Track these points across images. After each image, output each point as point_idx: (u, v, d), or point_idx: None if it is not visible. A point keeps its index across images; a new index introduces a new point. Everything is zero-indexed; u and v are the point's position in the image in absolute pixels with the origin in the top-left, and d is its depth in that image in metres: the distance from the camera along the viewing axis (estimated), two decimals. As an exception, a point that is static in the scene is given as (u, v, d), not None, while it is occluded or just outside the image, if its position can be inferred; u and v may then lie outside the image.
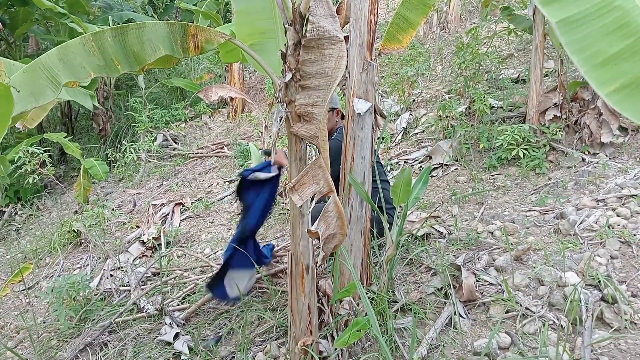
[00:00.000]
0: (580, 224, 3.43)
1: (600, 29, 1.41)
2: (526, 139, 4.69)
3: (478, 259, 3.30)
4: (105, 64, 2.39)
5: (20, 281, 4.61)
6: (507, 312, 2.74)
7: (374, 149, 2.92)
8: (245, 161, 6.96)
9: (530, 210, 3.95)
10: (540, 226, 3.63)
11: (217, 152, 7.87)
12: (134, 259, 4.82)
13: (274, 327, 3.16)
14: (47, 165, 6.66)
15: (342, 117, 3.55)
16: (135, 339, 3.34)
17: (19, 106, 2.17)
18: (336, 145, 3.12)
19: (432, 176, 5.13)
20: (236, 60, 3.79)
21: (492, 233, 3.64)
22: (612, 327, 2.49)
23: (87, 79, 2.35)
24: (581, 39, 1.41)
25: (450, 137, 5.43)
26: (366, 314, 2.31)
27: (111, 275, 4.45)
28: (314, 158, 2.10)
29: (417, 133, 6.09)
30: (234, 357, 2.96)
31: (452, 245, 3.56)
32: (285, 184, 2.69)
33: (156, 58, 2.44)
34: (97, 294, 4.04)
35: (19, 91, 2.10)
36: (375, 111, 2.85)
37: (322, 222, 2.14)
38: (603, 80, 1.40)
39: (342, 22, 2.79)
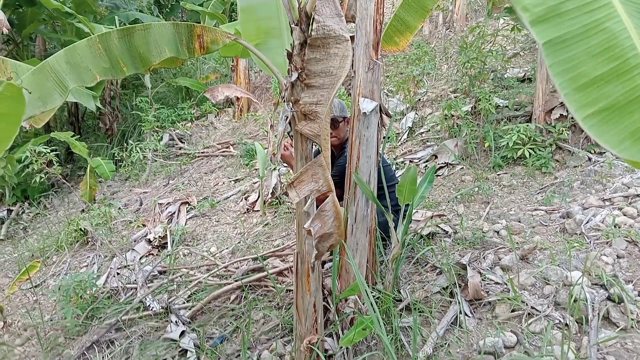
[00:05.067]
0: (587, 223, 3.42)
1: (586, 50, 1.38)
2: (532, 138, 4.68)
3: (484, 258, 3.30)
4: (112, 66, 2.41)
5: (27, 279, 4.63)
6: (512, 311, 2.74)
7: (379, 149, 2.92)
8: (251, 160, 6.97)
9: (536, 210, 3.93)
10: (546, 225, 3.62)
11: (223, 152, 7.89)
12: (141, 258, 4.84)
13: (280, 326, 3.18)
14: (54, 165, 6.69)
15: None
16: (142, 336, 3.36)
17: (28, 110, 2.19)
18: (343, 169, 3.07)
19: (437, 175, 5.13)
20: (235, 55, 3.79)
21: (497, 232, 3.64)
22: (618, 327, 2.48)
23: (93, 82, 2.37)
24: (566, 60, 1.38)
25: (455, 137, 5.42)
26: (373, 312, 2.32)
27: (118, 274, 4.47)
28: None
29: (422, 132, 6.09)
30: (239, 355, 2.97)
31: (458, 244, 3.55)
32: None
33: (162, 59, 2.46)
34: (103, 292, 4.06)
35: (30, 92, 2.12)
36: (380, 110, 2.85)
37: (317, 220, 2.14)
38: (582, 104, 1.37)
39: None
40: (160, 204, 6.21)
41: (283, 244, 4.44)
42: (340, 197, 2.83)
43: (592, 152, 4.54)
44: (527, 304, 2.74)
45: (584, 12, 1.41)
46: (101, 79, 2.39)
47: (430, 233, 3.77)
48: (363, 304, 2.79)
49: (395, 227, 2.93)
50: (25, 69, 2.94)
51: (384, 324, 2.64)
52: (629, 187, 3.79)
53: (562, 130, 4.61)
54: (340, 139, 3.48)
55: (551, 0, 1.40)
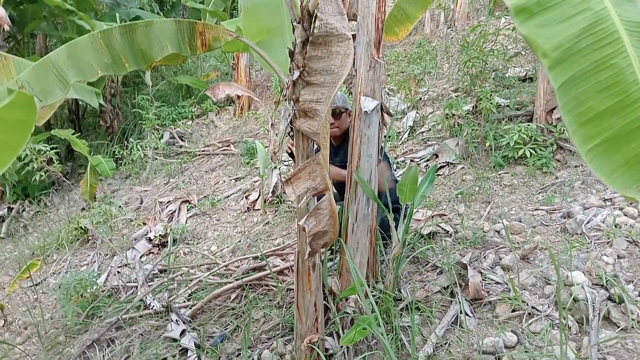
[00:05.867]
0: (587, 223, 3.42)
1: (594, 86, 1.41)
2: (533, 138, 4.67)
3: (484, 257, 3.29)
4: (113, 62, 2.40)
5: (28, 277, 4.64)
6: (513, 311, 2.74)
7: (381, 147, 2.92)
8: (252, 159, 6.97)
9: (537, 209, 3.93)
10: (547, 225, 3.62)
11: (224, 150, 7.88)
12: (141, 256, 4.84)
13: (280, 325, 3.17)
14: (54, 162, 6.69)
15: None
16: (142, 335, 3.36)
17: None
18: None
19: (438, 175, 5.12)
20: (238, 50, 3.78)
21: (498, 232, 3.64)
22: (619, 327, 2.48)
23: (95, 77, 2.37)
24: (575, 97, 1.42)
25: (456, 136, 5.41)
26: (373, 312, 2.32)
27: (118, 272, 4.47)
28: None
29: (423, 131, 6.08)
30: (240, 354, 2.97)
31: (459, 243, 3.55)
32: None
33: (164, 56, 2.45)
34: (104, 291, 4.06)
35: (32, 89, 2.11)
36: (382, 109, 2.84)
37: (312, 218, 2.14)
38: (586, 138, 1.41)
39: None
40: (161, 202, 6.22)
41: (284, 243, 4.44)
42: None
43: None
44: (527, 304, 2.73)
45: (595, 48, 1.44)
46: (103, 74, 2.38)
47: (430, 232, 3.77)
48: (363, 303, 2.79)
49: (396, 226, 2.92)
50: (28, 65, 2.93)
51: (385, 324, 2.64)
52: (630, 187, 3.79)
53: (563, 130, 4.61)
54: (342, 129, 3.52)
55: (567, 42, 1.43)
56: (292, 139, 2.37)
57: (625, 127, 1.41)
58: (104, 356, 3.23)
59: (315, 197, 2.24)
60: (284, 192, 5.47)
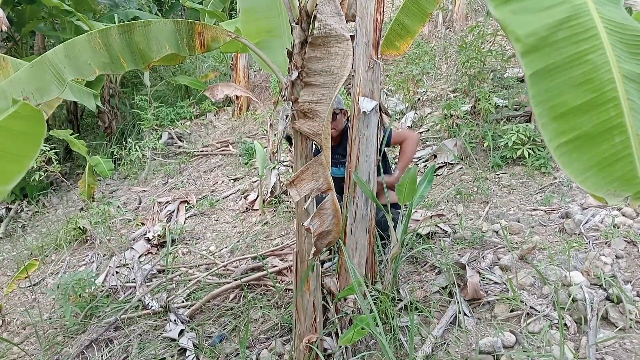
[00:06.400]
0: (586, 223, 3.42)
1: (568, 80, 1.40)
2: (531, 138, 4.68)
3: (483, 257, 3.30)
4: (111, 61, 2.40)
5: (26, 278, 4.63)
6: (511, 311, 2.74)
7: (380, 147, 2.92)
8: (250, 159, 6.97)
9: (535, 210, 3.94)
10: (545, 225, 3.62)
11: (222, 150, 7.88)
12: (139, 256, 4.84)
13: (279, 325, 3.18)
14: (53, 163, 6.68)
15: (348, 119, 3.57)
16: (141, 335, 3.36)
17: (25, 102, 2.18)
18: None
19: (437, 175, 5.13)
20: (237, 50, 3.78)
21: (496, 232, 3.64)
22: (617, 327, 2.49)
23: (92, 76, 2.37)
24: (548, 89, 1.40)
25: (455, 136, 5.42)
26: (371, 312, 2.32)
27: (116, 272, 4.47)
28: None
29: (422, 132, 6.08)
30: (238, 354, 2.97)
31: (457, 244, 3.55)
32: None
33: (162, 56, 2.45)
34: (102, 291, 4.06)
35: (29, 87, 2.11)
36: (380, 110, 2.85)
37: (316, 218, 2.15)
38: (556, 133, 1.40)
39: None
40: (159, 202, 6.21)
41: (282, 243, 4.44)
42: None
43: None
44: (526, 304, 2.74)
45: (572, 42, 1.42)
46: (100, 72, 2.38)
47: (429, 233, 3.77)
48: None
49: (395, 225, 2.92)
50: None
51: (383, 324, 2.64)
52: (628, 188, 3.79)
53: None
54: (338, 130, 3.53)
55: (543, 30, 1.41)
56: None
57: (598, 126, 1.39)
58: (102, 356, 3.23)
59: (314, 198, 2.25)
60: (283, 193, 5.48)
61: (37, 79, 2.28)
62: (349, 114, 3.61)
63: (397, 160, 5.61)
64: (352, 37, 2.58)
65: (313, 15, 2.06)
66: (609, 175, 1.40)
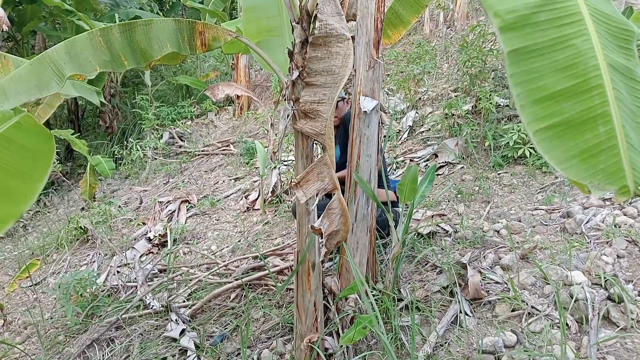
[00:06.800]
0: (587, 222, 3.42)
1: (550, 64, 1.36)
2: (533, 138, 4.67)
3: (484, 257, 3.30)
4: (112, 59, 2.40)
5: (27, 277, 4.64)
6: (512, 310, 2.74)
7: (380, 147, 2.92)
8: (251, 159, 6.97)
9: (536, 209, 3.93)
10: (546, 225, 3.62)
11: (223, 150, 7.89)
12: (141, 256, 4.84)
13: (280, 324, 3.18)
14: (54, 162, 6.68)
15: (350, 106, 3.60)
16: (142, 335, 3.36)
17: (23, 97, 2.19)
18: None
19: (438, 174, 5.13)
20: (239, 51, 3.78)
21: (498, 232, 3.64)
22: (618, 326, 2.48)
23: (93, 73, 2.36)
24: (528, 71, 1.36)
25: (456, 136, 5.42)
26: (372, 311, 2.32)
27: (118, 272, 4.47)
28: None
29: (423, 131, 6.08)
30: (239, 354, 2.97)
31: (458, 243, 3.55)
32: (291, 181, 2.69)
33: (163, 55, 2.45)
34: (103, 291, 4.06)
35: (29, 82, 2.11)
36: (381, 109, 2.85)
37: (325, 218, 2.15)
38: (536, 117, 1.35)
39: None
40: (160, 202, 6.22)
41: (283, 243, 4.44)
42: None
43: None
44: (527, 304, 2.74)
45: (555, 25, 1.39)
46: (101, 70, 2.37)
47: (430, 232, 3.77)
48: (363, 302, 2.79)
49: (396, 224, 2.92)
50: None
51: (384, 323, 2.64)
52: (629, 187, 3.79)
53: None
54: (339, 118, 3.56)
55: (524, 9, 1.38)
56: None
57: (582, 114, 1.35)
58: (103, 356, 3.23)
59: (317, 197, 2.25)
60: (284, 192, 5.48)
61: (37, 76, 2.28)
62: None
63: (396, 160, 5.63)
64: (353, 37, 2.58)
65: (314, 14, 2.06)
66: (592, 167, 1.34)
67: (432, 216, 4.01)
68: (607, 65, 1.38)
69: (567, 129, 1.35)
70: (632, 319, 2.48)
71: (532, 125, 1.35)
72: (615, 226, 3.29)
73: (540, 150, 1.35)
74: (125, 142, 8.44)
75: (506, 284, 2.95)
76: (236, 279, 3.77)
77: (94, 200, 6.66)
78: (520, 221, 3.75)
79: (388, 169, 5.39)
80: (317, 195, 2.17)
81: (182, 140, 8.69)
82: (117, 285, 4.12)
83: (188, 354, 3.04)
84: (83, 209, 6.72)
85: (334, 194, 2.15)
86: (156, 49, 2.43)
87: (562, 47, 1.38)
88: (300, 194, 2.13)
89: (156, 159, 8.09)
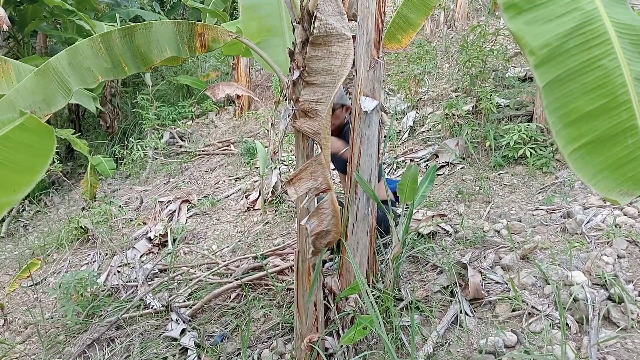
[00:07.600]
0: (587, 223, 3.42)
1: (580, 87, 1.41)
2: (533, 138, 4.67)
3: (484, 257, 3.30)
4: (113, 66, 2.41)
5: (28, 277, 4.64)
6: (513, 310, 2.74)
7: (380, 147, 2.92)
8: (252, 159, 6.97)
9: (537, 209, 3.93)
10: (547, 225, 3.62)
11: (224, 150, 7.89)
12: (141, 256, 4.84)
13: (280, 324, 3.18)
14: (54, 162, 6.69)
15: (350, 113, 3.56)
16: (142, 334, 3.37)
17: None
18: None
19: (438, 174, 5.13)
20: (238, 54, 3.78)
21: (498, 232, 3.64)
22: (618, 327, 2.48)
23: (95, 84, 2.38)
24: (560, 97, 1.41)
25: (456, 136, 5.41)
26: (373, 311, 2.32)
27: (118, 272, 4.48)
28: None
29: (423, 131, 6.08)
30: (239, 353, 2.97)
31: (459, 243, 3.55)
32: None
33: (163, 59, 2.46)
34: (104, 290, 4.06)
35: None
36: (382, 109, 2.85)
37: (314, 217, 2.14)
38: (570, 139, 1.41)
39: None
40: (161, 202, 6.22)
41: (283, 243, 4.44)
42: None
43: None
44: (527, 304, 2.74)
45: (584, 49, 1.43)
46: (103, 79, 2.39)
47: (430, 232, 3.77)
48: (364, 302, 2.79)
49: (396, 224, 2.92)
50: (28, 70, 2.95)
51: (385, 323, 2.64)
52: (629, 187, 3.78)
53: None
54: (335, 125, 3.51)
55: (555, 41, 1.42)
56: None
57: (610, 129, 1.40)
58: (104, 355, 3.24)
59: (316, 197, 2.25)
60: (284, 192, 5.48)
61: (43, 90, 2.30)
62: (351, 109, 3.61)
63: (397, 160, 5.63)
64: (354, 37, 2.58)
65: (314, 14, 2.06)
66: (621, 176, 1.41)
67: (433, 216, 4.01)
68: (633, 79, 1.42)
69: (597, 145, 1.41)
70: (633, 319, 2.48)
71: (566, 147, 1.42)
72: (615, 226, 3.29)
73: (575, 170, 1.42)
74: (126, 141, 8.44)
75: (506, 284, 2.95)
76: (236, 279, 3.77)
77: (95, 200, 6.66)
78: (520, 221, 3.75)
79: (388, 170, 5.41)
80: (306, 194, 2.17)
81: (182, 140, 8.69)
82: (118, 285, 4.13)
83: (188, 354, 3.05)
84: (84, 208, 6.72)
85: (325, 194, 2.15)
86: (156, 53, 2.45)
87: (591, 68, 1.42)
88: (291, 191, 2.13)
89: (157, 158, 8.10)
